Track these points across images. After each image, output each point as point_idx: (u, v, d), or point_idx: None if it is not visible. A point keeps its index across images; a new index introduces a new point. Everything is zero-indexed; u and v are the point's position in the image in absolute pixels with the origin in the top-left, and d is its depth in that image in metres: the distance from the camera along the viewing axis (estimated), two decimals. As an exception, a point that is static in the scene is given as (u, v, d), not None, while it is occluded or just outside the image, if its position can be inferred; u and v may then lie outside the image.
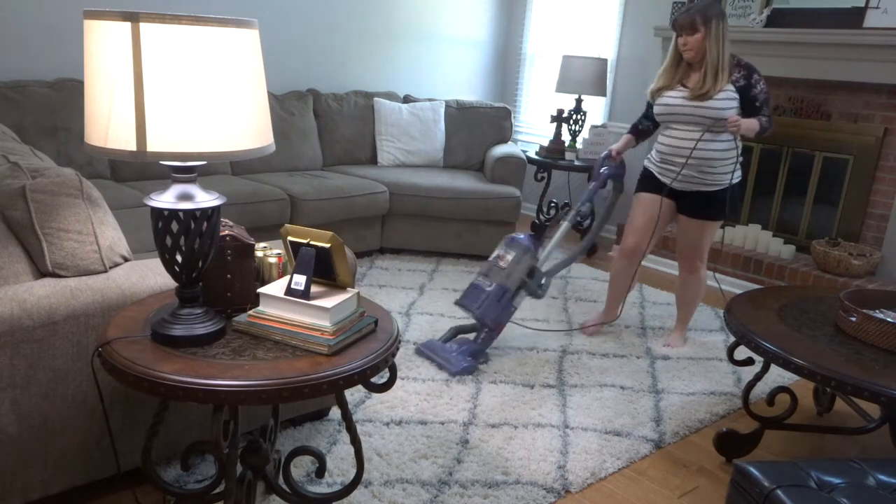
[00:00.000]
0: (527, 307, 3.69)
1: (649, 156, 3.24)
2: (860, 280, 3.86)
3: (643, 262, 3.51)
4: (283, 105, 4.47)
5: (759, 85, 2.91)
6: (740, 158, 3.05)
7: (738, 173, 3.05)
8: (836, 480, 1.57)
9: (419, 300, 3.68)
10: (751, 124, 2.88)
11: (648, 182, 3.18)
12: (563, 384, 2.87)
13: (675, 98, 2.99)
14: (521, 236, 3.01)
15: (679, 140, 3.01)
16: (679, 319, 3.39)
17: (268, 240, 3.27)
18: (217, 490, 1.81)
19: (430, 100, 4.98)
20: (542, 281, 3.06)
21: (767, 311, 2.41)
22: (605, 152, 3.31)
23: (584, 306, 3.77)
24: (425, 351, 3.00)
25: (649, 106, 3.21)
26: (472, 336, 3.06)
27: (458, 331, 3.09)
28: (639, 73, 5.09)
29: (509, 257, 2.94)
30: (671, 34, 3.10)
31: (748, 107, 2.94)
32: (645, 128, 3.30)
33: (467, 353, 2.91)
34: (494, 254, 3.02)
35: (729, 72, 2.92)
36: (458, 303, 3.01)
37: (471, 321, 3.32)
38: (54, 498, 1.86)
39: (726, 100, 2.90)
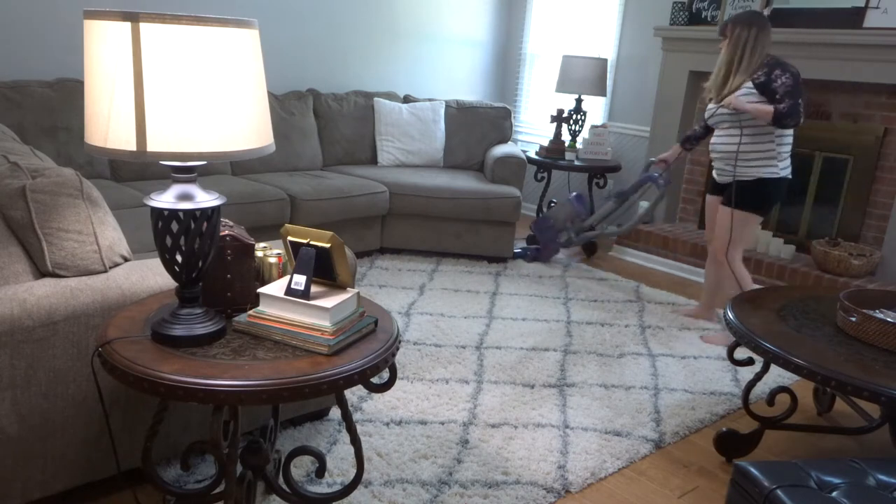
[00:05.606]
0: (527, 307, 3.69)
1: None
2: (860, 280, 3.86)
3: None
4: (283, 105, 4.47)
5: (779, 79, 2.99)
6: (777, 154, 3.12)
7: (773, 169, 3.13)
8: (836, 480, 1.57)
9: (419, 300, 3.68)
10: (754, 108, 3.00)
11: (710, 184, 3.51)
12: (563, 384, 2.87)
13: (711, 104, 3.30)
14: (577, 198, 3.97)
15: (712, 138, 3.34)
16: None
17: (268, 240, 3.27)
18: (217, 490, 1.81)
19: (430, 100, 4.98)
20: (573, 234, 4.00)
21: (767, 311, 2.41)
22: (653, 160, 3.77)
23: (583, 305, 3.78)
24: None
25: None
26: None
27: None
28: (639, 73, 5.10)
29: (561, 205, 4.07)
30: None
31: (770, 100, 3.03)
32: (693, 133, 3.60)
33: (532, 250, 4.31)
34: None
35: (751, 73, 3.07)
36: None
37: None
38: (54, 498, 1.86)
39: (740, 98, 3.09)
